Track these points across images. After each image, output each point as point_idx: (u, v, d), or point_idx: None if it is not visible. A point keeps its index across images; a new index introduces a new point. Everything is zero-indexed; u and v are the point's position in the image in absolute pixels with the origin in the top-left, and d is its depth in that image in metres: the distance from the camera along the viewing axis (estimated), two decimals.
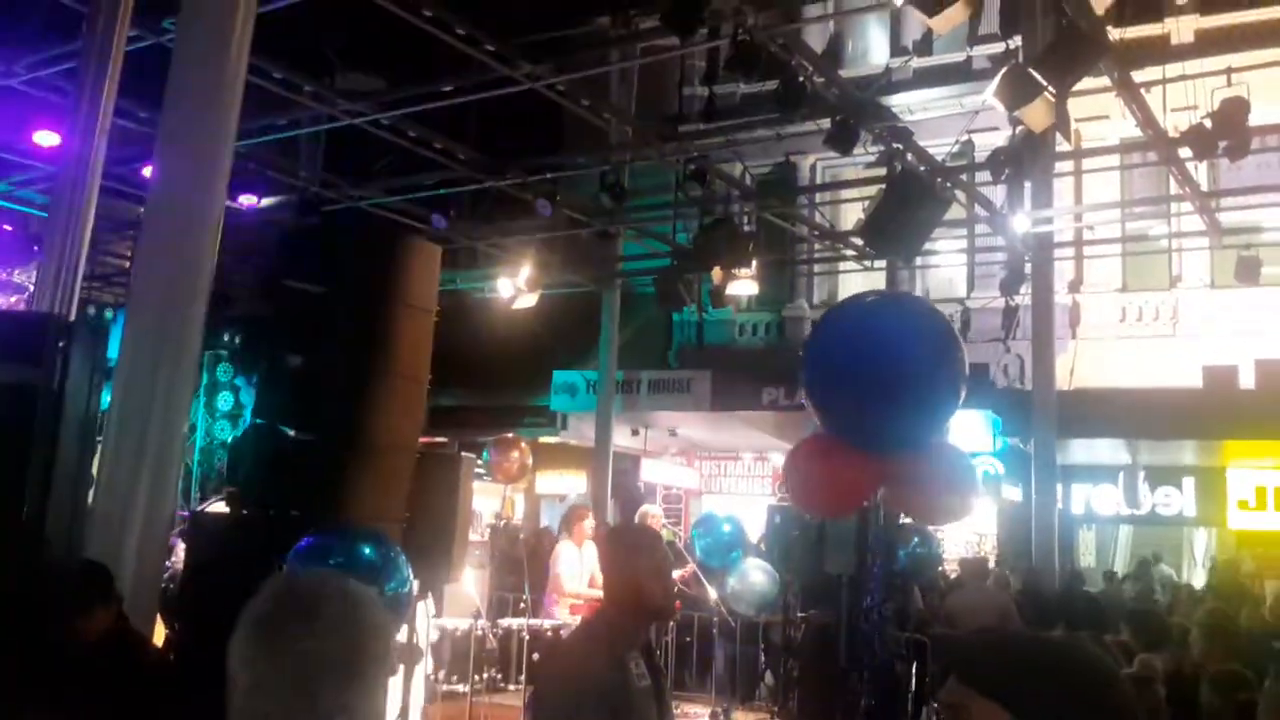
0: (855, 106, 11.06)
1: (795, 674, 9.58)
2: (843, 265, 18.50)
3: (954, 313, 18.73)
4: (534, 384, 18.78)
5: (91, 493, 5.30)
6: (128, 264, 15.81)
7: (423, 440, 6.49)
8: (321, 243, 6.33)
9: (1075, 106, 12.04)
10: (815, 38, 20.06)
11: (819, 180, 20.75)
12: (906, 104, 18.93)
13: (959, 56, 19.67)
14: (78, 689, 3.74)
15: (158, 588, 5.49)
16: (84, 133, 7.34)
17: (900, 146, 11.09)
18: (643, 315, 19.87)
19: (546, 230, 16.19)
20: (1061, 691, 1.46)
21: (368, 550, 4.98)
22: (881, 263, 16.42)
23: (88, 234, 7.45)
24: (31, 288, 11.41)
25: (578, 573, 9.95)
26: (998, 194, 13.66)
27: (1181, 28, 18.22)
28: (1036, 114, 8.48)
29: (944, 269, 20.16)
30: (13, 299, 14.73)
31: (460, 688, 9.07)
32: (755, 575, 10.05)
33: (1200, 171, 14.51)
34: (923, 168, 11.39)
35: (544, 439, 18.88)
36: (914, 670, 9.10)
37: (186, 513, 10.28)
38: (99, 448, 5.39)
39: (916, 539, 9.34)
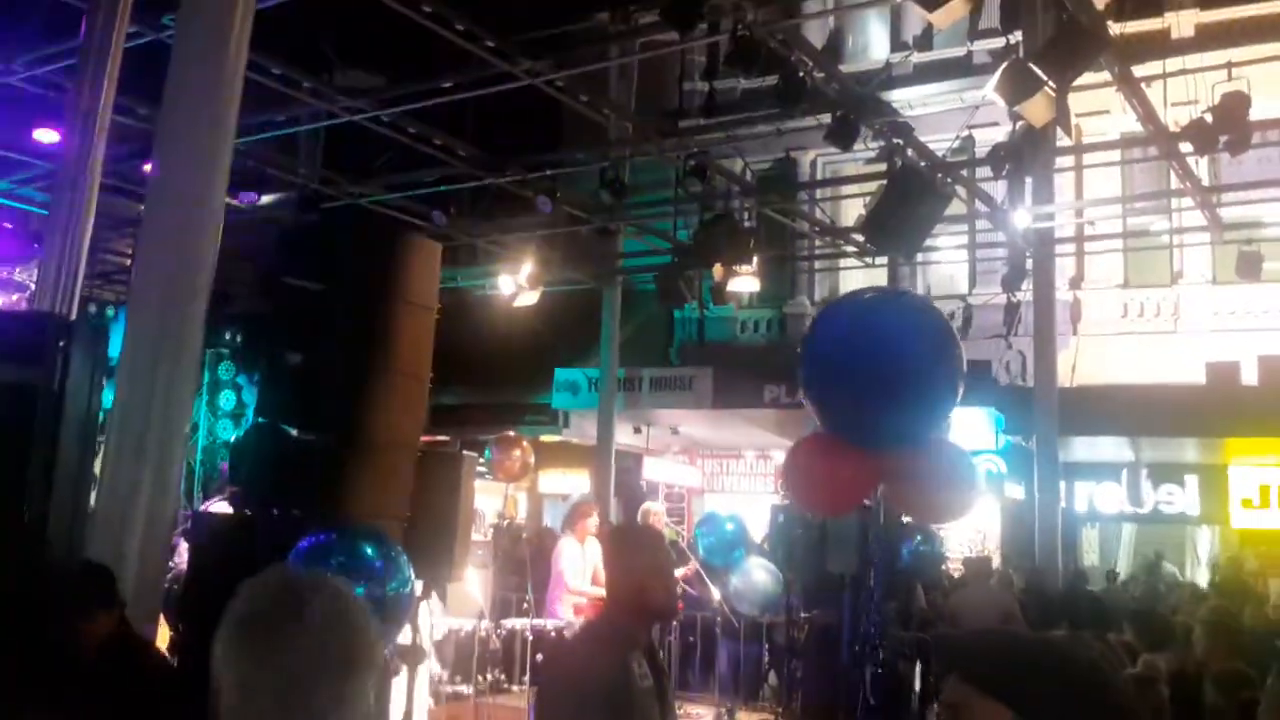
0: (855, 102, 11.03)
1: (799, 674, 9.57)
2: (844, 262, 18.49)
3: (955, 309, 18.71)
4: (535, 382, 18.77)
5: (93, 493, 5.28)
6: (128, 262, 15.78)
7: (424, 439, 6.46)
8: (321, 240, 6.31)
9: (1076, 101, 12.03)
10: (815, 33, 20.04)
11: (819, 176, 20.75)
12: (907, 99, 18.90)
13: (959, 51, 19.65)
14: (79, 692, 3.73)
15: (160, 588, 5.47)
16: (83, 130, 7.33)
17: (901, 142, 11.07)
18: (644, 312, 19.86)
19: (547, 227, 16.17)
20: (1063, 691, 1.46)
21: (369, 549, 4.97)
22: (883, 259, 16.42)
23: (88, 232, 7.44)
24: (32, 286, 11.40)
25: (580, 569, 9.93)
26: (999, 189, 13.64)
27: (1182, 22, 18.20)
28: (1037, 109, 8.46)
29: (945, 265, 20.15)
30: (14, 297, 14.71)
31: (464, 689, 9.06)
32: (758, 575, 10.03)
33: (1201, 166, 14.48)
34: (923, 163, 11.37)
35: (546, 437, 18.86)
36: (918, 669, 9.09)
37: (189, 512, 10.25)
38: (100, 447, 5.37)
39: (919, 537, 9.32)
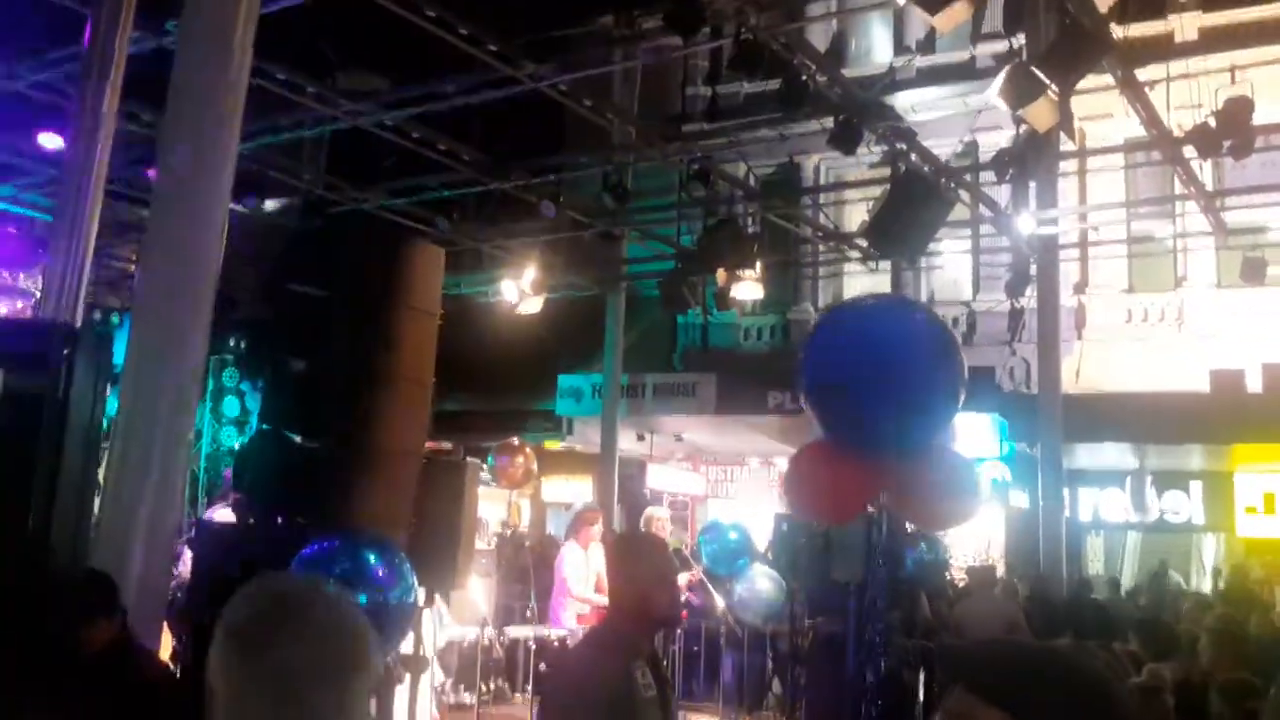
0: (859, 106, 11.03)
1: (803, 683, 9.54)
2: (847, 267, 18.49)
3: (959, 315, 18.74)
4: (539, 388, 18.76)
5: (97, 500, 5.28)
6: (133, 268, 15.80)
7: (427, 446, 6.46)
8: (324, 245, 6.30)
9: (1079, 105, 12.00)
10: (818, 37, 20.04)
11: (823, 181, 20.73)
12: (910, 103, 18.90)
13: (962, 55, 19.64)
14: (79, 697, 3.72)
15: (164, 596, 5.47)
16: (88, 136, 7.34)
17: (904, 146, 11.07)
18: (647, 318, 19.85)
19: (550, 232, 16.18)
20: (1068, 701, 1.45)
21: (373, 557, 4.96)
22: (886, 264, 16.39)
23: (92, 238, 7.44)
24: (37, 293, 11.41)
25: (583, 575, 9.92)
26: (1002, 194, 13.64)
27: (1185, 25, 18.16)
28: (1040, 113, 8.46)
29: (949, 270, 20.12)
30: (18, 304, 14.72)
31: (467, 697, 9.04)
32: (762, 583, 10.02)
33: (1205, 171, 14.47)
34: (927, 168, 11.37)
35: (549, 444, 18.86)
36: (923, 679, 9.05)
37: (193, 520, 10.25)
38: (104, 455, 5.37)
39: (924, 545, 9.29)
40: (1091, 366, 17.84)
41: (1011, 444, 15.14)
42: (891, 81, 18.01)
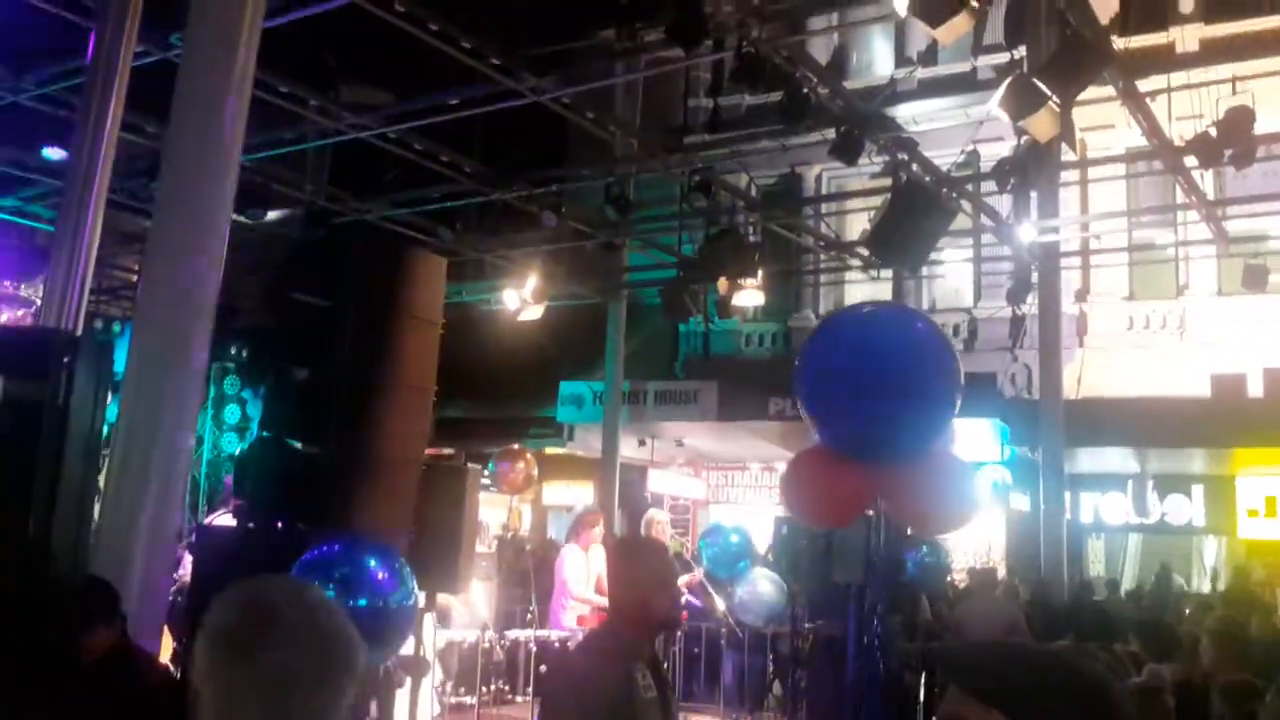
0: (860, 117, 11.07)
1: (804, 685, 9.56)
2: (848, 276, 18.50)
3: (961, 322, 18.75)
4: (540, 395, 18.79)
5: (98, 507, 5.30)
6: (135, 277, 15.84)
7: (429, 452, 6.49)
8: (327, 255, 6.34)
9: (1080, 116, 12.03)
10: (820, 49, 20.09)
11: (824, 191, 20.78)
12: (911, 114, 18.93)
13: (964, 67, 19.68)
14: (80, 706, 3.73)
15: (164, 602, 5.49)
16: (91, 147, 7.36)
17: (905, 157, 11.09)
18: (649, 326, 19.88)
19: (552, 242, 16.21)
20: (1063, 701, 1.45)
21: (373, 562, 4.98)
22: (887, 273, 16.41)
23: (94, 248, 7.47)
24: (38, 302, 11.45)
25: (584, 577, 9.93)
26: (1004, 204, 13.66)
27: (1186, 36, 18.20)
28: (1041, 124, 8.48)
29: (950, 279, 20.15)
30: (19, 313, 14.77)
31: (468, 700, 9.06)
32: (763, 586, 10.04)
33: (1206, 180, 14.48)
34: (928, 178, 11.39)
35: (550, 450, 18.87)
36: (923, 681, 9.06)
37: (194, 526, 10.27)
38: (105, 462, 5.39)
39: (925, 548, 9.32)
40: (1093, 374, 17.85)
41: (1013, 449, 15.16)
42: (893, 93, 18.05)
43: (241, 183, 5.87)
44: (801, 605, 9.58)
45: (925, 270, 17.80)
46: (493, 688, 9.39)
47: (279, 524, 5.57)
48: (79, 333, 7.01)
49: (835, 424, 5.32)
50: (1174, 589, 15.62)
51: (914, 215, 10.13)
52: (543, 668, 8.87)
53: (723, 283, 13.21)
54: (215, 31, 5.66)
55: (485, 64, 10.24)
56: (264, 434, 6.01)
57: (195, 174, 5.53)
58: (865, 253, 13.99)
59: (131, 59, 7.51)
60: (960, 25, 7.67)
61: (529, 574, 10.66)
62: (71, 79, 9.91)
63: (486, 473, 10.59)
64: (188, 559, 8.18)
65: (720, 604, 10.30)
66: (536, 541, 16.48)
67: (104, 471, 5.42)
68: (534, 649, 9.30)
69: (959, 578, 13.81)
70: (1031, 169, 11.57)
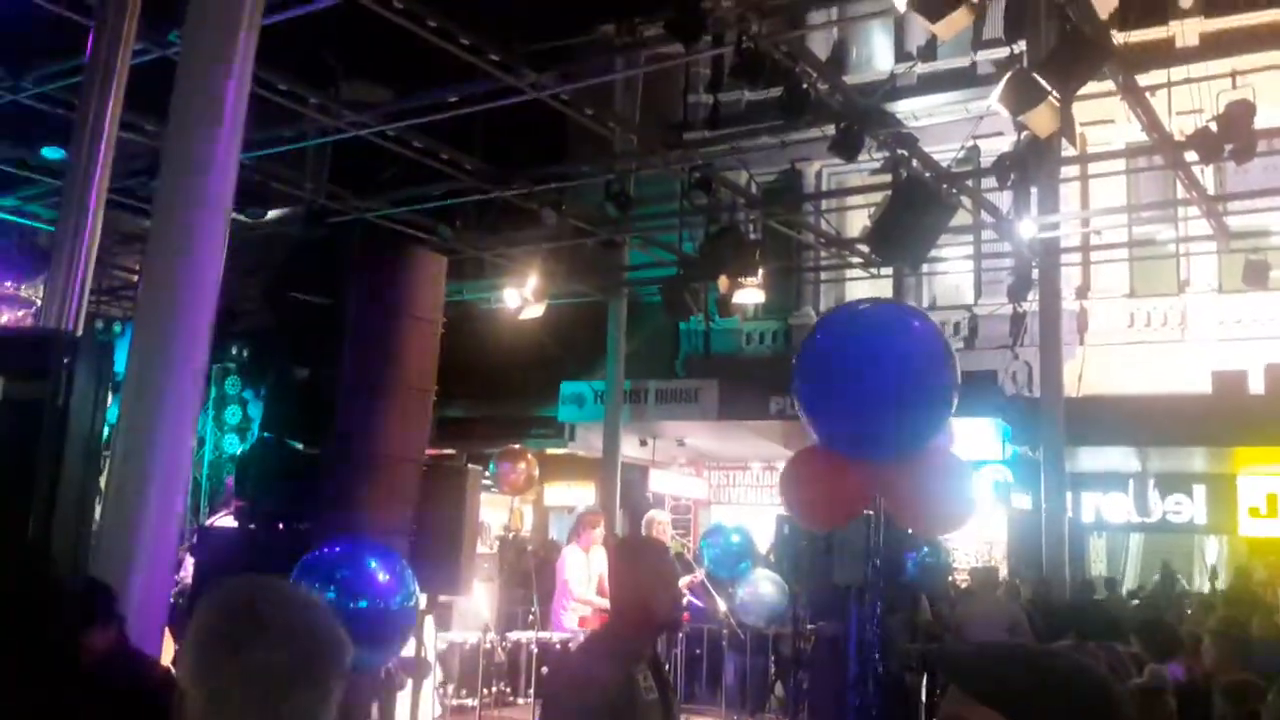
0: (860, 113, 11.05)
1: (805, 686, 9.55)
2: (849, 273, 18.48)
3: (961, 320, 18.73)
4: (541, 395, 18.78)
5: (99, 508, 5.29)
6: (135, 277, 15.84)
7: (429, 452, 6.47)
8: (327, 254, 6.34)
9: (1080, 111, 11.99)
10: (819, 44, 20.05)
11: (824, 187, 20.76)
12: (911, 110, 18.92)
13: (963, 62, 19.66)
14: (80, 708, 3.72)
15: (166, 603, 5.47)
16: (90, 146, 7.35)
17: (905, 153, 11.09)
18: (649, 325, 19.86)
19: (552, 240, 16.20)
20: (1064, 702, 1.45)
21: (374, 563, 4.97)
22: (888, 270, 16.41)
23: (94, 248, 7.46)
24: (39, 302, 11.45)
25: (585, 578, 9.92)
26: (1004, 200, 13.64)
27: (1186, 31, 18.18)
28: (1041, 119, 8.48)
29: (950, 276, 20.13)
30: (20, 314, 14.76)
31: (469, 701, 9.05)
32: (764, 586, 10.03)
33: (1207, 175, 14.47)
34: (928, 174, 11.38)
35: (552, 450, 18.86)
36: (924, 681, 9.06)
37: (195, 527, 10.27)
38: (105, 463, 5.38)
39: (926, 548, 9.30)
40: (1093, 371, 17.83)
41: (1014, 447, 15.15)
42: (892, 88, 18.04)
43: (241, 181, 5.85)
44: (803, 606, 9.57)
45: (925, 267, 17.79)
46: (494, 689, 9.37)
47: (280, 525, 5.56)
48: (79, 333, 7.00)
49: (831, 423, 5.31)
50: (1177, 589, 15.62)
51: (914, 211, 10.12)
52: (544, 669, 8.85)
53: (723, 281, 13.20)
54: (214, 29, 5.64)
55: (484, 60, 10.23)
56: (265, 435, 6.00)
57: (195, 173, 5.52)
58: (866, 249, 13.99)
59: (130, 57, 7.50)
60: (959, 20, 7.66)
61: (530, 575, 10.65)
62: (70, 78, 9.89)
63: (487, 473, 10.58)
64: (189, 561, 8.17)
65: (722, 605, 10.29)
66: (538, 542, 16.46)
67: (105, 472, 5.41)
68: (535, 650, 9.29)
69: (960, 578, 13.81)
70: (1031, 164, 11.56)
